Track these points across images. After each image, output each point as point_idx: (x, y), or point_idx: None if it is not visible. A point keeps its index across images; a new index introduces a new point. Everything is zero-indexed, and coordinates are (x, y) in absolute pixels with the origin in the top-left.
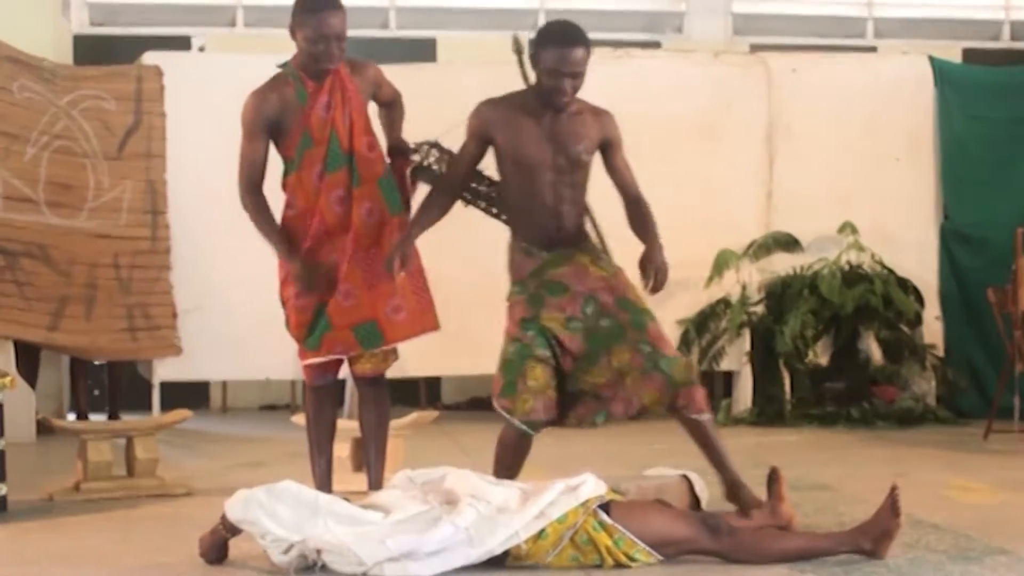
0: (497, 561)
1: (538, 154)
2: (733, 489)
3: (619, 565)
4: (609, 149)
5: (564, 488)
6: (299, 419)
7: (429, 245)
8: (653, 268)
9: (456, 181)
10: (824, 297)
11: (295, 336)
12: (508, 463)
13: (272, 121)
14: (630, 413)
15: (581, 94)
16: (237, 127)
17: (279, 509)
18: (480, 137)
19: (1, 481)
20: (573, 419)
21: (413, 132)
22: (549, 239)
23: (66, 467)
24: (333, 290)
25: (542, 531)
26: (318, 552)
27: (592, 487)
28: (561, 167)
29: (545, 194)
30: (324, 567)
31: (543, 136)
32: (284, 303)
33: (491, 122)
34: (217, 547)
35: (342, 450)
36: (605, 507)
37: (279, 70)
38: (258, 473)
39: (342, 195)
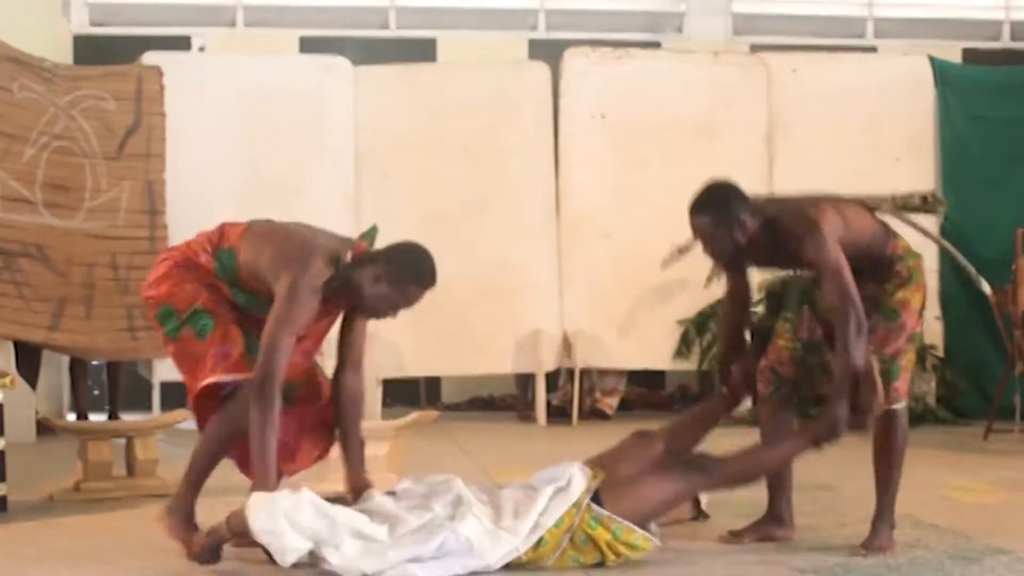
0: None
1: None
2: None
3: (620, 556)
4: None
5: (554, 491)
6: None
7: (428, 244)
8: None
9: None
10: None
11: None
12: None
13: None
14: None
15: (582, 94)
16: (237, 127)
17: (301, 519)
18: None
19: (1, 481)
20: None
21: (413, 132)
22: None
23: (66, 467)
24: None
25: (540, 539)
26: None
27: (580, 482)
28: None
29: None
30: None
31: None
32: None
33: None
34: (213, 550)
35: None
36: (596, 495)
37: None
38: None
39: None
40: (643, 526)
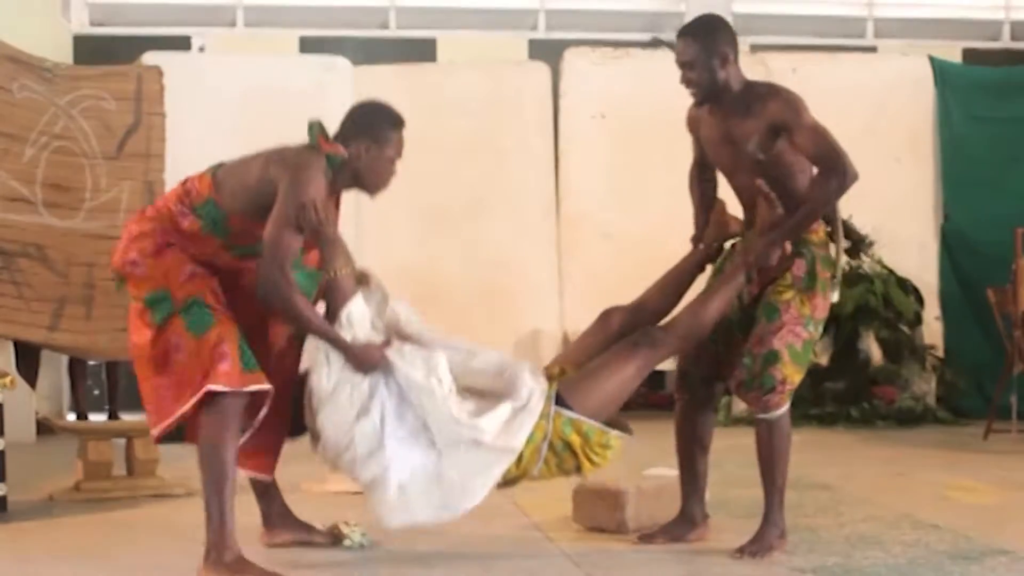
0: None
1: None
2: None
3: (595, 463)
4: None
5: (512, 411)
6: None
7: (428, 244)
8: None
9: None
10: None
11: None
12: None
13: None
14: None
15: (582, 94)
16: (237, 127)
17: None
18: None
19: (1, 481)
20: None
21: (413, 132)
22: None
23: (66, 467)
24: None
25: (520, 455)
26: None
27: (539, 392)
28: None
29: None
30: None
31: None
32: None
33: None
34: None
35: None
36: (559, 398)
37: (333, 162)
38: None
39: None
40: (610, 419)
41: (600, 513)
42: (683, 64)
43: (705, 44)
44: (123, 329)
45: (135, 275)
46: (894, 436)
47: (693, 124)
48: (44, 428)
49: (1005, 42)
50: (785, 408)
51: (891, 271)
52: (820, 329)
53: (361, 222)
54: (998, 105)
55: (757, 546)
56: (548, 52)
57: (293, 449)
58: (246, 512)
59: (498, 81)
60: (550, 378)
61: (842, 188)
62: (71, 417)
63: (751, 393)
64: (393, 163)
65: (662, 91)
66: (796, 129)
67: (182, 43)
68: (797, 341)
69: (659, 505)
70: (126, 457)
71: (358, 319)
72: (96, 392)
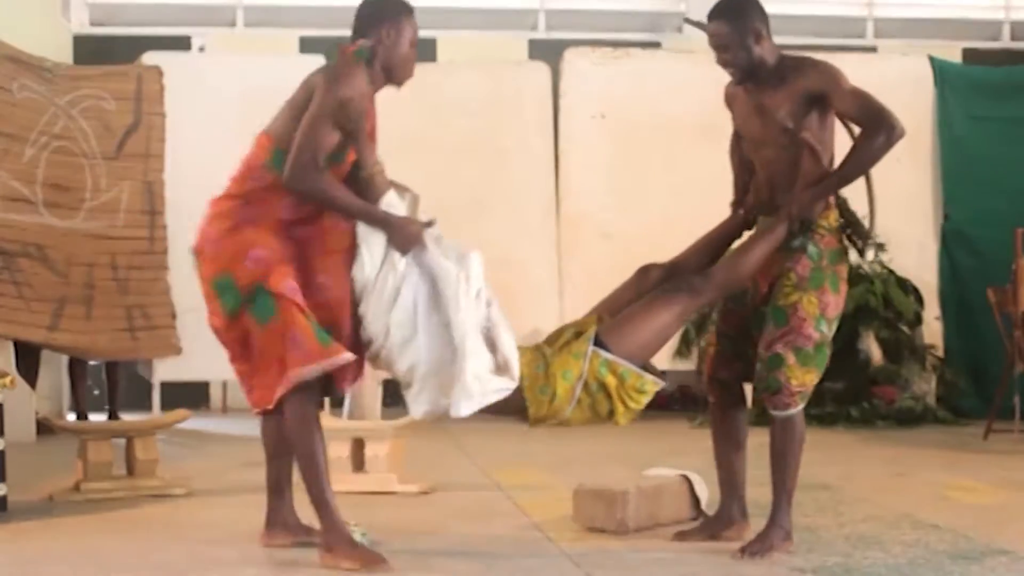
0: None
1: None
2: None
3: (629, 407)
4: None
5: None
6: None
7: None
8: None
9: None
10: None
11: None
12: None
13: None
14: None
15: (582, 94)
16: (237, 127)
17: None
18: None
19: (1, 481)
20: None
21: (413, 131)
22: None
23: (66, 467)
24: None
25: (553, 393)
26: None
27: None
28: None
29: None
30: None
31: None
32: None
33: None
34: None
35: (342, 450)
36: (598, 340)
37: (361, 54)
38: (258, 473)
39: None
40: (647, 364)
41: (600, 513)
42: (717, 47)
43: (737, 24)
44: (123, 329)
45: (206, 255)
46: (894, 436)
47: (730, 99)
48: (44, 428)
49: (1005, 42)
50: (796, 409)
51: (891, 271)
52: (834, 327)
53: None
54: (998, 105)
55: (758, 546)
56: (548, 52)
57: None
58: (247, 512)
59: (498, 81)
60: (588, 323)
61: (889, 143)
62: (71, 417)
63: (762, 393)
64: (413, 47)
65: (662, 91)
66: (836, 94)
67: (182, 43)
68: (807, 343)
69: (659, 505)
70: (126, 457)
71: (396, 210)
72: (96, 392)
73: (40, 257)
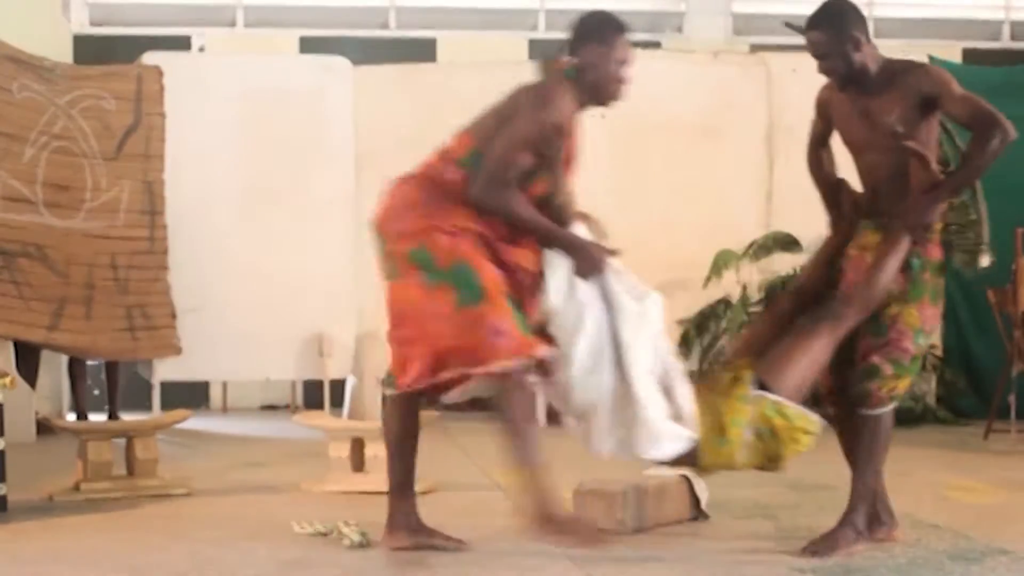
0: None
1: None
2: None
3: (798, 448)
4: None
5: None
6: (300, 419)
7: None
8: None
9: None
10: None
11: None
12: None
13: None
14: None
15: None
16: (237, 127)
17: None
18: None
19: (1, 481)
20: None
21: (413, 132)
22: None
23: (66, 467)
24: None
25: (723, 438)
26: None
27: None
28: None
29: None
30: None
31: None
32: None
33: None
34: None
35: (342, 450)
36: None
37: (570, 74)
38: (259, 473)
39: None
40: (803, 400)
41: (600, 513)
42: (817, 55)
43: (835, 32)
44: (123, 329)
45: (393, 231)
46: (894, 436)
47: (823, 105)
48: (44, 428)
49: (1005, 42)
50: (887, 408)
51: None
52: (930, 339)
53: (361, 222)
54: (998, 105)
55: (822, 545)
56: (548, 52)
57: (293, 449)
58: (247, 512)
59: (498, 81)
60: (742, 366)
61: (1003, 144)
62: (71, 417)
63: (853, 398)
64: (622, 66)
65: (662, 91)
66: (947, 97)
67: (182, 43)
68: (904, 356)
69: (659, 505)
70: (126, 457)
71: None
72: (96, 392)
73: (40, 257)
